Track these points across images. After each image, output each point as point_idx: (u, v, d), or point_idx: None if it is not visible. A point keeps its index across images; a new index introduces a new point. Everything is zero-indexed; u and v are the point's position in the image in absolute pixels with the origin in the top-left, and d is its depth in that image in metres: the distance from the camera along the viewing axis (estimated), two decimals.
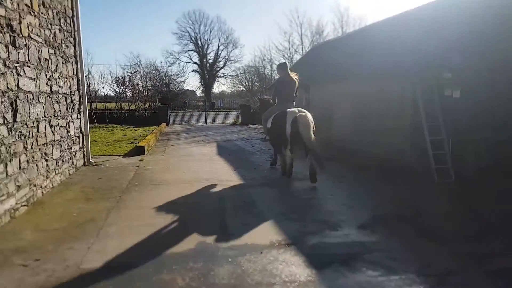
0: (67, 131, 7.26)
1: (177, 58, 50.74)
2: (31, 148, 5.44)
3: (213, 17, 65.10)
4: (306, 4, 68.48)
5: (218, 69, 54.02)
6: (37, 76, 5.77)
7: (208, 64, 53.55)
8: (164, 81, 41.75)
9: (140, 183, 6.85)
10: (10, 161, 4.73)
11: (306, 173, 6.78)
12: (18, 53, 5.17)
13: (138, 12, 75.89)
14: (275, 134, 7.12)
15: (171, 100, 36.95)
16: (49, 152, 6.16)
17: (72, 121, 7.63)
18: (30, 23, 5.64)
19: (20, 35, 5.27)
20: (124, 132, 18.32)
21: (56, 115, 6.61)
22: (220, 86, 62.09)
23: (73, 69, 7.85)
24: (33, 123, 5.53)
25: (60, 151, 6.77)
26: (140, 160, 9.22)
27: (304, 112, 6.65)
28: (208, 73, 52.91)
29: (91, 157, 8.68)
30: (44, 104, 6.04)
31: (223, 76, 54.29)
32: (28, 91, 5.42)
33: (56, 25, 6.93)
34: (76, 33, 8.17)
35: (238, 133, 17.86)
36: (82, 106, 8.36)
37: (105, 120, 24.82)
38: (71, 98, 7.62)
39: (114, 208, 5.26)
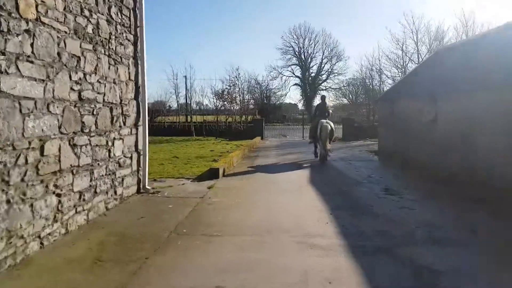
0: (109, 151, 5.57)
1: (280, 73, 49.58)
2: (21, 180, 3.69)
3: (318, 30, 62.83)
4: (422, 9, 61.80)
5: (321, 82, 51.37)
6: (48, 76, 4.08)
7: (310, 78, 51.33)
8: (264, 94, 40.83)
9: (190, 230, 4.76)
10: None
11: None
12: (6, 40, 3.48)
13: (244, 27, 77.67)
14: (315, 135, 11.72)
15: (271, 112, 35.62)
16: (64, 183, 4.43)
17: (121, 138, 5.95)
18: (42, 1, 3.98)
19: (15, 15, 3.60)
20: (215, 146, 16.98)
21: (86, 130, 4.91)
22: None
23: (128, 73, 6.22)
24: (29, 143, 3.80)
25: (91, 180, 5.05)
26: (209, 188, 7.23)
27: (327, 123, 11.47)
28: (309, 86, 50.65)
29: (148, 182, 6.95)
30: (61, 116, 4.34)
31: (325, 89, 51.42)
32: (23, 97, 3.71)
33: (102, 14, 5.32)
34: (138, 29, 6.59)
35: (338, 151, 15.06)
36: (140, 119, 6.70)
37: (203, 133, 24.28)
38: (121, 108, 5.95)
39: None
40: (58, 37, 4.25)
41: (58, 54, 4.28)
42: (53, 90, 4.17)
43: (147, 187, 6.82)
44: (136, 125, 6.56)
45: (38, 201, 3.97)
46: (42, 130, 4.00)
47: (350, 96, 53.51)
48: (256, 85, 32.29)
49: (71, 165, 4.56)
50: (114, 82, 5.72)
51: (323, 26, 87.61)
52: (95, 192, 5.18)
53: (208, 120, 27.38)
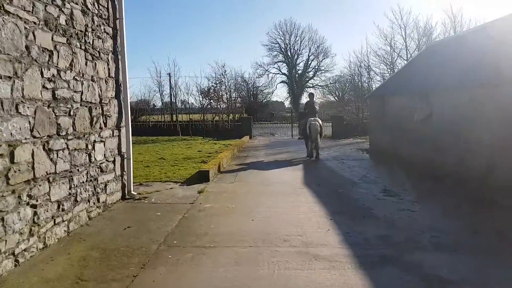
0: (90, 155, 5.09)
1: (266, 70, 49.07)
2: None
3: (304, 26, 62.05)
4: (410, 3, 61.81)
5: (308, 79, 51.10)
6: (15, 73, 3.60)
7: (297, 75, 51.01)
8: (251, 92, 40.42)
9: (181, 240, 4.34)
10: None
11: None
12: None
13: (229, 24, 76.93)
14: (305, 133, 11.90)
15: (258, 111, 35.23)
16: (40, 192, 3.96)
17: (102, 141, 5.48)
18: None
19: None
20: (202, 146, 16.50)
21: (63, 133, 4.44)
22: (308, 97, 59.24)
23: (108, 69, 5.74)
24: None
25: (70, 188, 4.57)
26: (199, 192, 6.79)
27: (315, 120, 11.72)
28: (296, 83, 50.34)
29: (133, 187, 6.48)
30: (33, 118, 3.86)
31: (312, 87, 51.19)
32: None
33: (76, 4, 4.84)
34: (117, 21, 6.11)
35: (329, 150, 14.79)
36: (123, 119, 6.23)
37: (189, 132, 23.73)
38: (101, 108, 5.48)
39: None
40: (25, 28, 3.76)
41: (27, 47, 3.80)
42: (23, 89, 3.70)
43: (132, 192, 6.35)
44: (118, 127, 6.08)
45: (10, 214, 3.50)
46: (11, 134, 3.52)
47: (337, 93, 53.48)
48: (243, 83, 31.73)
49: (47, 173, 4.09)
50: (93, 80, 5.24)
51: (309, 22, 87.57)
52: (76, 200, 4.71)
53: (194, 119, 26.81)
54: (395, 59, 25.15)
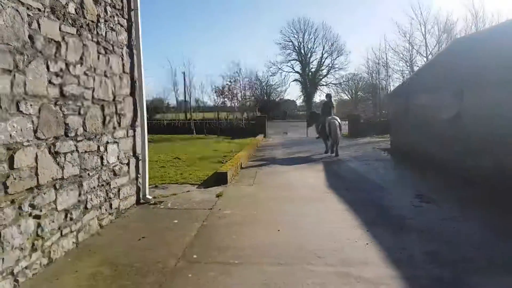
0: (101, 158, 4.66)
1: (279, 68, 48.49)
2: None
3: (318, 24, 61.17)
4: (429, 0, 60.38)
5: (321, 77, 50.34)
6: (16, 66, 3.17)
7: (310, 73, 50.26)
8: (265, 91, 39.88)
9: (201, 255, 3.86)
10: None
11: None
12: None
13: (244, 23, 76.35)
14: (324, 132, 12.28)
15: (271, 109, 34.71)
16: (44, 201, 3.52)
17: (115, 142, 5.04)
18: None
19: None
20: (217, 145, 16.08)
21: (72, 134, 4.00)
22: (322, 95, 58.56)
23: (122, 64, 5.30)
24: None
25: (79, 194, 4.14)
26: (218, 196, 6.33)
27: (335, 119, 12.07)
28: (309, 82, 49.62)
29: (148, 190, 6.04)
30: (37, 117, 3.42)
31: (325, 85, 50.47)
32: None
33: None
34: (132, 12, 5.66)
35: (348, 149, 14.20)
36: (138, 118, 5.79)
37: (203, 131, 23.38)
38: (115, 106, 5.04)
39: None
40: (29, 15, 3.32)
41: (30, 37, 3.36)
42: (25, 84, 3.26)
43: (147, 196, 5.91)
44: (133, 126, 5.64)
45: (8, 228, 3.06)
46: (10, 135, 3.09)
47: (350, 91, 52.57)
48: (256, 81, 31.22)
49: (53, 178, 3.66)
50: (105, 75, 4.80)
51: (323, 19, 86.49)
52: (86, 208, 4.27)
53: (208, 117, 26.49)
54: (414, 56, 24.31)
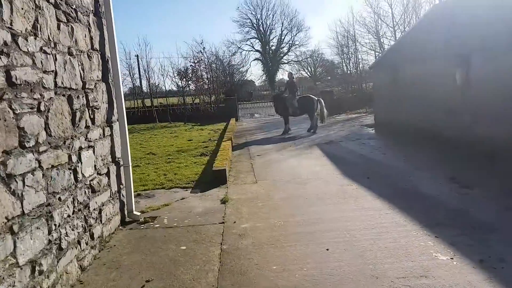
0: (75, 171, 3.27)
1: (239, 47, 46.58)
2: None
3: None
4: None
5: (282, 55, 49.17)
6: None
7: (271, 51, 48.91)
8: (227, 71, 38.21)
9: None
10: None
11: None
12: None
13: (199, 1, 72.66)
14: (302, 110, 12.66)
15: (235, 91, 33.27)
16: None
17: (90, 146, 3.65)
18: None
19: None
20: (190, 133, 14.64)
21: (30, 143, 2.60)
22: (284, 74, 57.66)
23: (90, 38, 3.85)
24: None
25: (50, 231, 2.79)
26: (223, 203, 5.10)
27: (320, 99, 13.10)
28: (271, 60, 48.37)
29: (135, 204, 4.70)
30: None
31: (287, 63, 49.42)
32: None
33: None
34: None
35: (331, 128, 13.41)
36: (114, 111, 4.39)
37: (167, 118, 21.60)
38: (85, 97, 3.62)
39: None
40: None
41: None
42: None
43: (135, 213, 4.57)
44: (109, 122, 4.24)
45: None
46: None
47: (310, 68, 51.99)
48: (217, 62, 29.56)
49: (7, 218, 2.28)
50: (70, 53, 3.36)
51: None
52: (60, 249, 2.92)
53: (172, 103, 24.59)
54: (379, 26, 23.66)
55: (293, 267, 3.20)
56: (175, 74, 23.10)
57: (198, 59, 22.72)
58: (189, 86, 22.71)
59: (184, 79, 22.63)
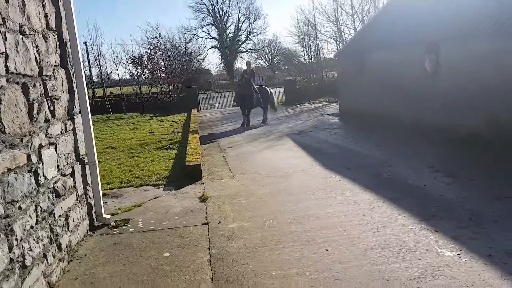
0: (36, 173, 2.74)
1: (194, 34, 45.26)
2: None
3: None
4: None
5: (240, 43, 48.51)
6: None
7: (228, 39, 48.05)
8: (184, 59, 37.03)
9: None
10: None
11: None
12: None
13: None
14: (259, 101, 11.96)
15: (193, 80, 32.32)
16: None
17: (52, 143, 3.10)
18: None
19: None
20: (149, 125, 13.91)
21: None
22: (243, 63, 57.07)
23: (44, 14, 3.25)
24: None
25: (10, 248, 2.28)
26: (202, 200, 4.69)
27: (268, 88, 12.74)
28: (228, 48, 47.55)
29: (104, 205, 4.17)
30: None
31: (245, 51, 48.91)
32: None
33: None
34: None
35: (298, 118, 13.22)
36: (76, 101, 3.81)
37: (122, 109, 20.45)
38: (43, 85, 3.05)
39: None
40: None
41: None
42: None
43: (104, 216, 4.05)
44: (71, 114, 3.67)
45: None
46: None
47: (267, 57, 51.83)
48: (173, 49, 28.47)
49: None
50: (23, 32, 2.78)
51: None
52: (23, 267, 2.41)
53: (126, 92, 23.30)
54: (338, 13, 23.73)
55: (294, 272, 2.90)
56: (129, 62, 21.87)
57: (153, 46, 21.64)
58: (144, 75, 21.54)
59: (139, 67, 21.46)
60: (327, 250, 3.21)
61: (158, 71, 21.52)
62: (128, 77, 23.71)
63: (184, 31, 44.23)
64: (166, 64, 22.32)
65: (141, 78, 21.94)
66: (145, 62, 21.59)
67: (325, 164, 6.18)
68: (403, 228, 3.54)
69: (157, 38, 22.15)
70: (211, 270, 3.00)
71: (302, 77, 22.82)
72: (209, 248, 3.38)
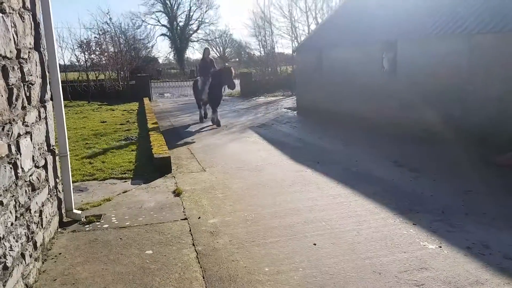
0: (15, 165, 2.48)
1: (143, 21, 43.55)
2: None
3: None
4: None
5: (191, 32, 47.54)
6: None
7: (178, 28, 46.84)
8: (132, 46, 35.52)
9: None
10: None
11: None
12: None
13: None
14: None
15: (142, 68, 31.15)
16: None
17: (28, 132, 2.83)
18: None
19: None
20: (99, 114, 13.21)
21: None
22: (195, 52, 56.00)
23: None
24: None
25: None
26: (176, 195, 4.55)
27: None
28: (179, 37, 46.37)
29: (74, 199, 3.90)
30: None
31: (196, 41, 48.03)
32: None
33: None
34: None
35: (257, 112, 13.27)
36: (47, 87, 3.51)
37: (67, 96, 19.16)
38: (20, 69, 2.76)
39: None
40: None
41: None
42: None
43: (74, 211, 3.79)
44: (43, 101, 3.37)
45: None
46: None
47: (219, 48, 51.39)
48: (121, 35, 27.25)
49: None
50: (2, 10, 2.50)
51: None
52: (5, 268, 2.18)
53: (71, 79, 21.89)
54: (296, 11, 24.13)
55: (287, 267, 2.91)
56: (76, 46, 20.55)
57: (103, 31, 20.53)
58: (92, 61, 20.34)
59: (87, 52, 20.24)
60: (315, 244, 3.27)
61: (107, 57, 20.44)
62: (75, 62, 22.25)
63: (133, 17, 42.41)
64: (116, 51, 21.24)
65: (89, 64, 20.73)
66: (93, 48, 20.44)
67: (294, 157, 6.27)
68: (383, 222, 3.69)
69: (107, 23, 20.99)
70: (201, 267, 2.92)
71: (257, 70, 22.89)
72: (193, 244, 3.29)
